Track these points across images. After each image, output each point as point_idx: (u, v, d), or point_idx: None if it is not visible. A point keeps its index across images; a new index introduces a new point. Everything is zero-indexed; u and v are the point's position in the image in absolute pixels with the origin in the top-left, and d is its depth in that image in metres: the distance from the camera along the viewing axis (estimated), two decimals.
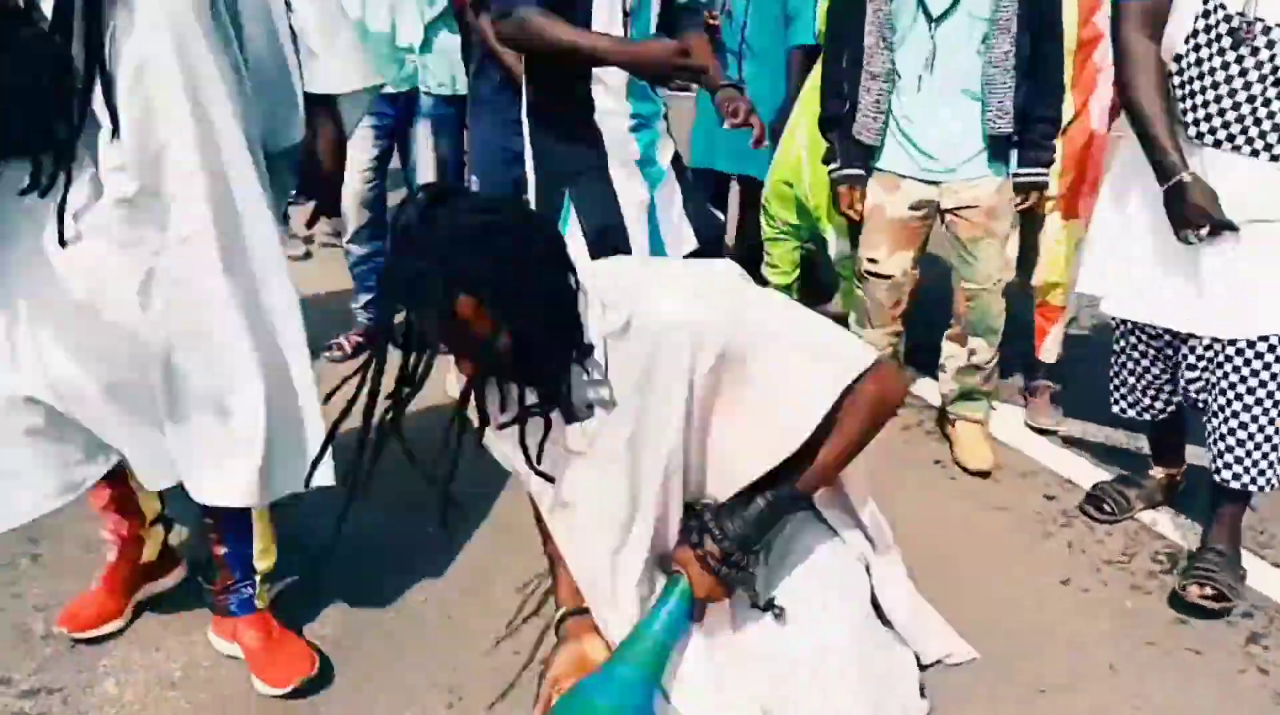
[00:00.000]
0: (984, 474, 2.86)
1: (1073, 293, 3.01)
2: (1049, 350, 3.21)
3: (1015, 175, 2.71)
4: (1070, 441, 3.08)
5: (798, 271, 3.65)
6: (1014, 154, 2.71)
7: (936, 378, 3.08)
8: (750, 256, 3.93)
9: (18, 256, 1.66)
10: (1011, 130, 2.63)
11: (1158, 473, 2.70)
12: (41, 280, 1.66)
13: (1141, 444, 2.93)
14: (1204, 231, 2.13)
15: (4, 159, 1.59)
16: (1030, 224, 3.08)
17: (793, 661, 1.67)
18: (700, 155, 3.67)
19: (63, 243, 1.62)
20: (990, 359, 2.89)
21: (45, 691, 1.97)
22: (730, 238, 3.99)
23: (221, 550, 1.97)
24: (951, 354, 2.93)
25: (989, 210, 2.71)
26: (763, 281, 3.91)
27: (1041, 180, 2.73)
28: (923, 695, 1.90)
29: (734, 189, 4.01)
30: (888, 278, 2.84)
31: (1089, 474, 2.88)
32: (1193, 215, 2.13)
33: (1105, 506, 2.66)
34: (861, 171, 2.78)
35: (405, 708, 1.97)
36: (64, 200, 1.62)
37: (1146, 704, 2.06)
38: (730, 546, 1.62)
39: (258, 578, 2.01)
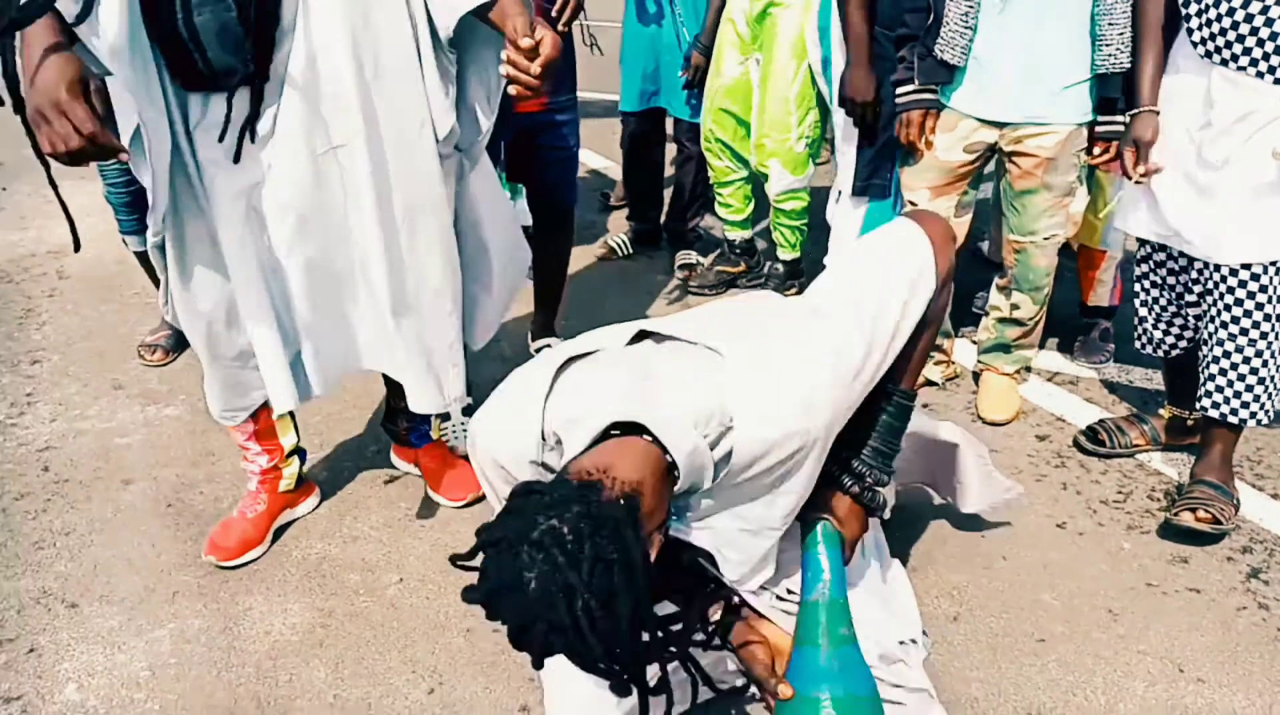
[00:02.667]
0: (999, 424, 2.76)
1: (1109, 235, 2.93)
2: (1097, 293, 3.10)
3: (1101, 122, 2.44)
4: (1065, 382, 3.01)
5: (751, 206, 3.53)
6: (1091, 95, 2.44)
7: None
8: (690, 201, 3.83)
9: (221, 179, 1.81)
10: (1129, 65, 2.30)
11: (1166, 412, 2.63)
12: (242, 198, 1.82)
13: (1140, 384, 2.86)
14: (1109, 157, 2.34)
15: (206, 91, 1.74)
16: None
17: None
18: (640, 96, 3.53)
19: (237, 159, 1.78)
20: (1033, 316, 2.73)
21: (3, 702, 1.87)
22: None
23: (403, 404, 2.22)
24: (996, 304, 2.79)
25: (1049, 162, 2.49)
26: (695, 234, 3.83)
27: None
28: (924, 634, 1.89)
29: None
30: None
31: (1083, 414, 2.80)
32: (1122, 146, 2.26)
33: (1100, 439, 2.60)
34: (938, 97, 2.49)
35: (386, 694, 1.88)
36: (248, 122, 1.76)
37: (1149, 649, 2.00)
38: (879, 471, 1.64)
39: (433, 417, 2.35)
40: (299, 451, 2.33)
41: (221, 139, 1.76)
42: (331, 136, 1.82)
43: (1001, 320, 2.78)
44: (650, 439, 1.28)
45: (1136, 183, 2.27)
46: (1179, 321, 2.42)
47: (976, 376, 2.92)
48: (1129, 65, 2.32)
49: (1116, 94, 2.39)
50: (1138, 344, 2.53)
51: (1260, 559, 2.25)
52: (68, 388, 2.91)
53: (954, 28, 2.38)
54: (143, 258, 3.07)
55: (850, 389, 1.46)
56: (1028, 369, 2.91)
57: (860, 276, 1.59)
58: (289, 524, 2.34)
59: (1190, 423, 2.60)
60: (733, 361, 1.40)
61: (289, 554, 2.26)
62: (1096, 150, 2.47)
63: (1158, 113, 2.23)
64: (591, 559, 1.11)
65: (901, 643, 1.73)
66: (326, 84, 1.78)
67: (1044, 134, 2.46)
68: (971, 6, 2.35)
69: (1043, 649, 1.99)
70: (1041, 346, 3.15)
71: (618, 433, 1.29)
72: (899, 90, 2.54)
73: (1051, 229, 2.60)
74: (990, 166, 2.71)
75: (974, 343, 3.01)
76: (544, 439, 1.38)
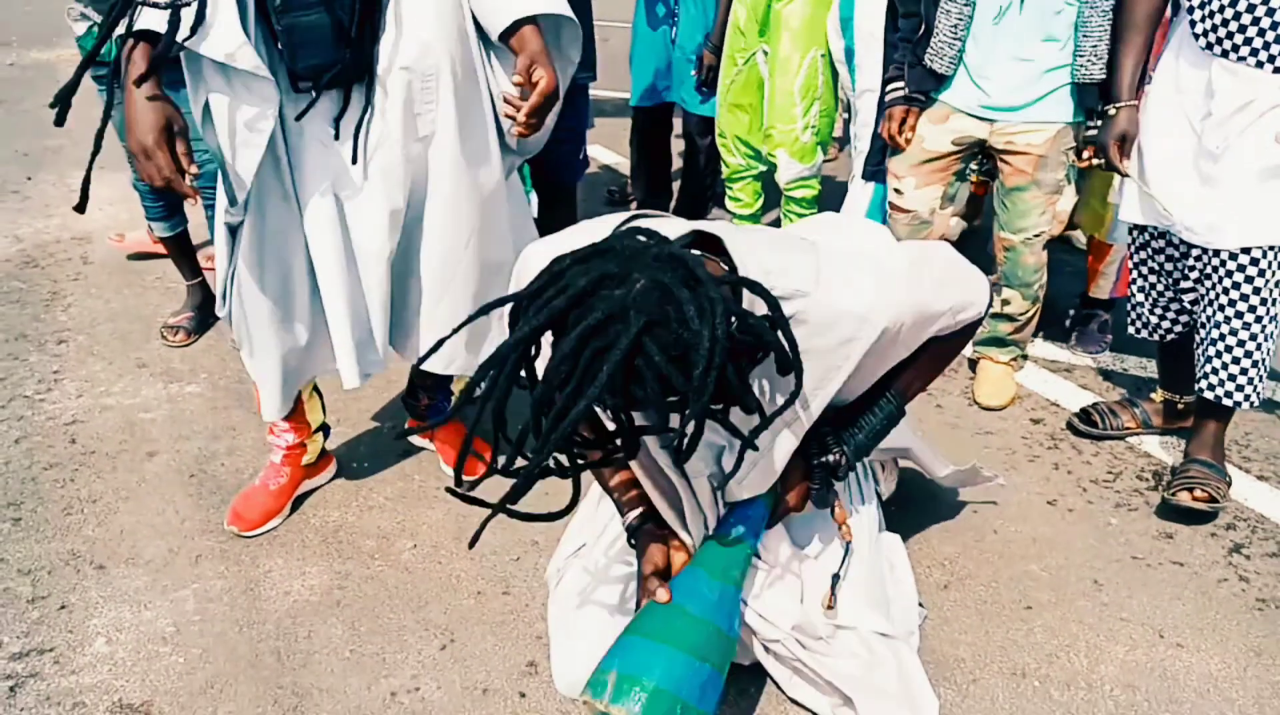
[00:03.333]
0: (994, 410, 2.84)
1: (1116, 229, 3.01)
2: (1099, 286, 3.20)
3: (1090, 127, 2.54)
4: (1060, 369, 3.09)
5: (760, 200, 3.62)
6: (1074, 98, 2.54)
7: None
8: (699, 194, 3.93)
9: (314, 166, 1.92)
10: (1104, 76, 2.44)
11: (1158, 395, 2.71)
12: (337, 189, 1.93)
13: (1134, 372, 2.94)
14: (1099, 161, 2.42)
15: (316, 90, 1.83)
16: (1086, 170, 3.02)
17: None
18: (650, 92, 3.63)
19: (355, 160, 1.90)
20: (1024, 311, 2.82)
21: (36, 653, 1.97)
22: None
23: (428, 381, 2.44)
24: None
25: (1040, 159, 2.58)
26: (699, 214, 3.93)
27: None
28: (920, 606, 1.99)
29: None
30: (909, 212, 2.75)
31: (1077, 400, 2.88)
32: (1100, 147, 2.39)
33: (1093, 421, 2.68)
34: (923, 99, 2.61)
35: (400, 650, 1.98)
36: (361, 121, 1.88)
37: (1132, 616, 2.08)
38: (844, 456, 1.74)
39: (452, 395, 2.51)
40: (324, 427, 2.42)
41: (338, 136, 1.88)
42: (419, 128, 1.93)
43: (994, 316, 2.86)
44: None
45: (1125, 175, 2.35)
46: (1174, 306, 2.50)
47: (973, 364, 3.01)
48: (1100, 78, 2.43)
49: (1095, 103, 2.49)
50: (1132, 329, 2.61)
51: (1244, 535, 2.33)
52: (93, 366, 3.01)
53: (943, 38, 2.48)
54: (169, 243, 3.18)
55: (908, 314, 1.59)
56: (1024, 356, 2.99)
57: (936, 266, 1.72)
58: (307, 494, 2.43)
59: (1181, 407, 2.67)
60: (825, 247, 1.57)
61: (307, 521, 2.35)
62: (1085, 154, 2.57)
63: (1137, 107, 2.33)
64: (698, 295, 1.20)
65: (840, 626, 1.80)
66: (420, 79, 1.88)
67: (1034, 131, 2.54)
68: (961, 20, 2.45)
69: (1029, 615, 2.07)
70: (1040, 335, 3.24)
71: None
72: (888, 87, 2.66)
73: (1039, 227, 2.68)
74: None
75: None
76: None
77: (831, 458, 1.74)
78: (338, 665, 1.94)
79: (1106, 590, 2.15)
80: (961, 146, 2.64)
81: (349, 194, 1.94)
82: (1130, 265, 2.56)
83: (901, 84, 2.63)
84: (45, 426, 2.71)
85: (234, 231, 1.96)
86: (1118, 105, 2.35)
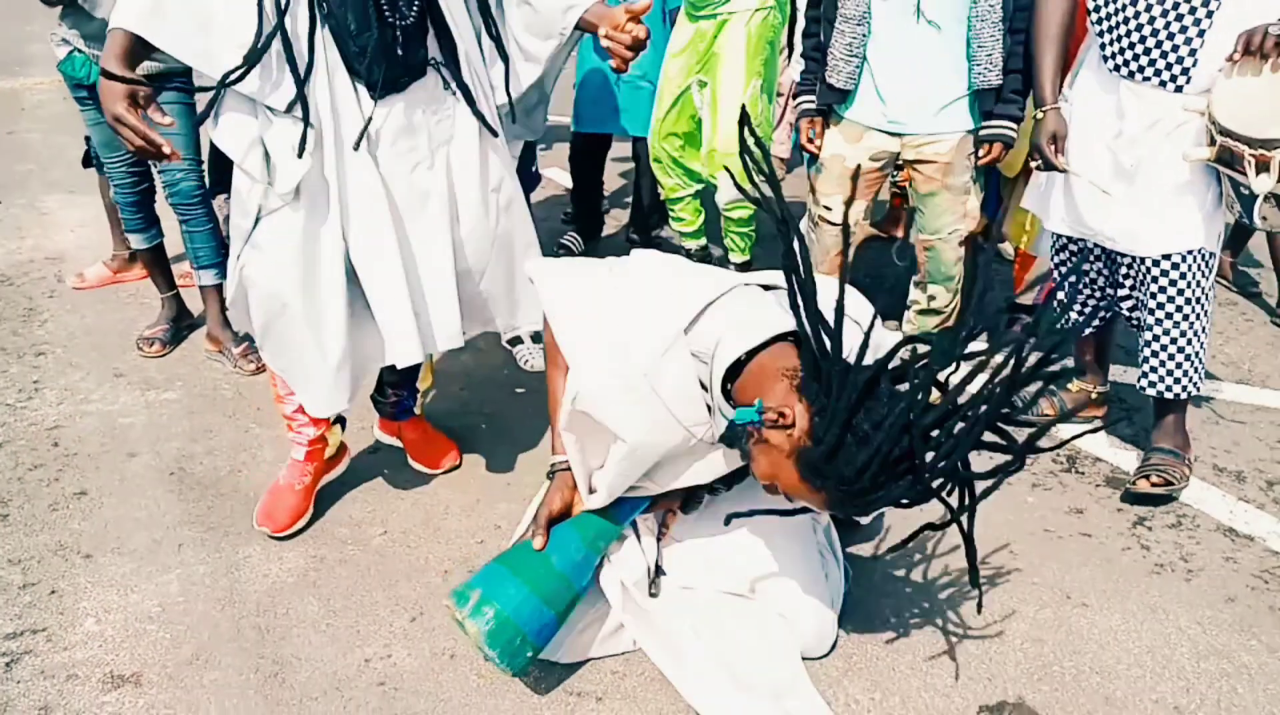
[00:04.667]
0: None
1: (1041, 242, 3.20)
2: (1025, 293, 3.44)
3: (983, 128, 2.76)
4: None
5: (702, 217, 3.83)
6: (971, 108, 2.75)
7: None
8: (648, 215, 4.15)
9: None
10: (1001, 83, 2.67)
11: (1075, 386, 2.94)
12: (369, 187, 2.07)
13: (1054, 368, 3.17)
14: (1038, 163, 2.56)
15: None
16: (1005, 184, 3.25)
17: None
18: (591, 119, 3.84)
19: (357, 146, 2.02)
20: (947, 304, 3.05)
21: (29, 633, 2.10)
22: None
23: (396, 378, 2.56)
24: (915, 298, 3.12)
25: (946, 166, 2.79)
26: (656, 243, 4.13)
27: (1008, 134, 2.75)
28: (847, 579, 2.21)
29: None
30: (838, 225, 2.98)
31: None
32: (1034, 148, 2.56)
33: (1017, 406, 2.90)
34: (827, 110, 2.86)
35: (372, 623, 2.14)
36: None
37: (1042, 581, 2.29)
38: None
39: (419, 394, 2.67)
40: (340, 419, 2.55)
41: (416, 158, 2.08)
42: (456, 123, 2.13)
43: (921, 312, 3.10)
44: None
45: (1062, 171, 2.53)
46: (1091, 306, 2.73)
47: None
48: (997, 83, 2.67)
49: (990, 106, 2.74)
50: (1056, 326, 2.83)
51: (1146, 510, 2.56)
52: (72, 376, 3.14)
53: (839, 57, 2.73)
54: (145, 254, 3.32)
55: None
56: None
57: None
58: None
59: (1095, 397, 2.91)
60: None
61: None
62: (980, 152, 2.81)
63: (1059, 108, 2.53)
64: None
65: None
66: (462, 76, 2.10)
67: (938, 142, 2.79)
68: (855, 39, 2.68)
69: (946, 579, 2.28)
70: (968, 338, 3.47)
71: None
72: (796, 101, 2.93)
73: (954, 226, 2.92)
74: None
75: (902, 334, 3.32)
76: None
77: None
78: (314, 637, 2.10)
79: (1020, 558, 2.37)
80: (880, 162, 2.88)
81: (399, 187, 2.10)
82: (1053, 267, 2.80)
83: (810, 97, 2.89)
84: (28, 431, 2.83)
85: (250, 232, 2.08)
86: (1044, 109, 2.54)
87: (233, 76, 1.88)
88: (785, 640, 2.02)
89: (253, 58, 1.88)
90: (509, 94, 2.23)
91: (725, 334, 1.73)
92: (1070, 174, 2.53)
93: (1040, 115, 2.56)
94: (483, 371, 3.21)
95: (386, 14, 1.97)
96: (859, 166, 2.71)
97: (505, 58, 2.19)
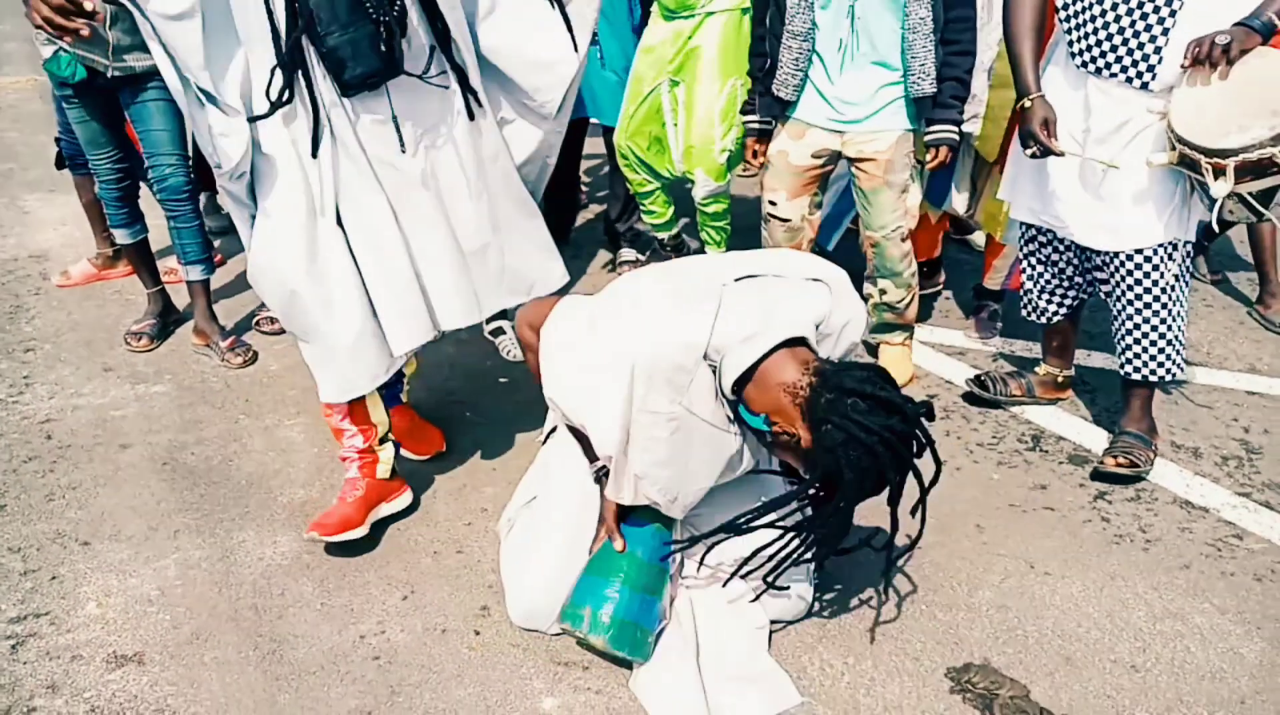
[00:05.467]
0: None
1: (1011, 231, 3.26)
2: (993, 278, 3.54)
3: (927, 133, 2.88)
4: (954, 352, 3.43)
5: (671, 208, 3.92)
6: (908, 109, 2.86)
7: None
8: (623, 207, 4.22)
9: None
10: (935, 90, 2.79)
11: (1041, 369, 3.05)
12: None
13: (1020, 353, 3.29)
14: (1034, 150, 2.54)
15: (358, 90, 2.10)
16: (982, 173, 3.34)
17: None
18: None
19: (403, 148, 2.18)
20: (901, 298, 3.15)
21: (33, 616, 2.17)
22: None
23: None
24: (869, 292, 3.22)
25: (888, 163, 2.90)
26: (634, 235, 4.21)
27: (950, 137, 2.86)
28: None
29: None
30: (786, 221, 3.10)
31: (968, 376, 3.22)
32: (1025, 135, 2.54)
33: (985, 385, 3.01)
34: (771, 127, 3.02)
35: (366, 601, 2.22)
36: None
37: (1007, 552, 2.40)
38: None
39: (404, 381, 2.71)
40: (392, 442, 2.51)
41: (402, 144, 2.17)
42: (454, 112, 2.23)
43: (876, 305, 3.21)
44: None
45: (1059, 154, 2.52)
46: (1059, 292, 2.84)
47: (874, 349, 3.34)
48: (931, 92, 2.77)
49: (928, 113, 2.86)
50: (1024, 313, 2.95)
51: (1107, 486, 2.67)
52: (62, 371, 3.19)
53: (787, 70, 2.87)
54: (130, 249, 3.38)
55: None
56: (912, 336, 3.32)
57: None
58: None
59: (1060, 380, 3.03)
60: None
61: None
62: (927, 157, 2.92)
63: (1044, 95, 2.54)
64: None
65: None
66: (462, 68, 2.20)
67: (877, 139, 2.91)
68: (801, 54, 2.82)
69: (919, 555, 2.38)
70: (934, 322, 3.58)
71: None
72: (743, 119, 3.10)
73: (897, 222, 3.03)
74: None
75: None
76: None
77: None
78: (310, 616, 2.18)
79: (986, 532, 2.48)
80: (821, 158, 3.00)
81: (410, 178, 2.20)
82: (1021, 257, 2.90)
83: (754, 115, 3.05)
84: (20, 425, 2.89)
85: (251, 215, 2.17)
86: (1031, 98, 2.56)
87: (257, 114, 2.03)
88: (758, 619, 2.11)
89: (277, 104, 2.03)
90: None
91: (729, 350, 1.87)
92: (1068, 155, 2.54)
93: (1028, 104, 2.55)
94: (467, 362, 3.29)
95: (370, 10, 2.04)
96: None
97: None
